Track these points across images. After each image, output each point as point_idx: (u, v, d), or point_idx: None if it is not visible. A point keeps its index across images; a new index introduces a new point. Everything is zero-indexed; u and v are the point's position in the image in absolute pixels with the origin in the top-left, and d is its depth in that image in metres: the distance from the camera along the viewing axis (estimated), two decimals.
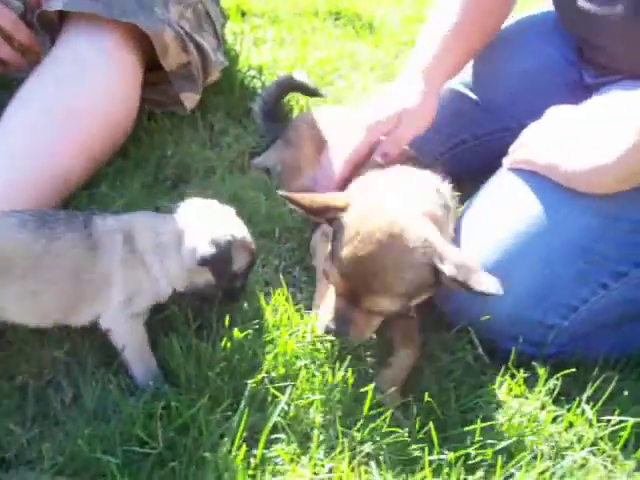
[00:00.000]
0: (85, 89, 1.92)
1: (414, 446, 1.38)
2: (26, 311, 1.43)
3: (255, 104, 2.29)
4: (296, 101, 2.43)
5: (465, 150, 2.13)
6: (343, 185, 1.75)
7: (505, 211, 1.66)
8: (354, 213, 1.50)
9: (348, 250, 1.45)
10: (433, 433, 1.37)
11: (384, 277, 1.43)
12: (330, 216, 1.53)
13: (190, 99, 2.19)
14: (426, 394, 1.46)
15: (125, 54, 2.00)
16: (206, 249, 1.46)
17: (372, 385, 1.42)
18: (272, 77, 2.56)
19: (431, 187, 1.63)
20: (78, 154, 1.86)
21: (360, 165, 1.78)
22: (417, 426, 1.40)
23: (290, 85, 2.31)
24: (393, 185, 1.60)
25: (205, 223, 1.52)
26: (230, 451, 1.33)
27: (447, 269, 1.41)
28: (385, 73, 2.74)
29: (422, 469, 1.34)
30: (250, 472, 1.33)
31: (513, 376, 1.56)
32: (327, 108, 2.21)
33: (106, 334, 1.47)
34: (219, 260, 1.47)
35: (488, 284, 1.42)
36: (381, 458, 1.36)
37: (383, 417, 1.40)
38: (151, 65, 2.11)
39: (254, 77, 2.55)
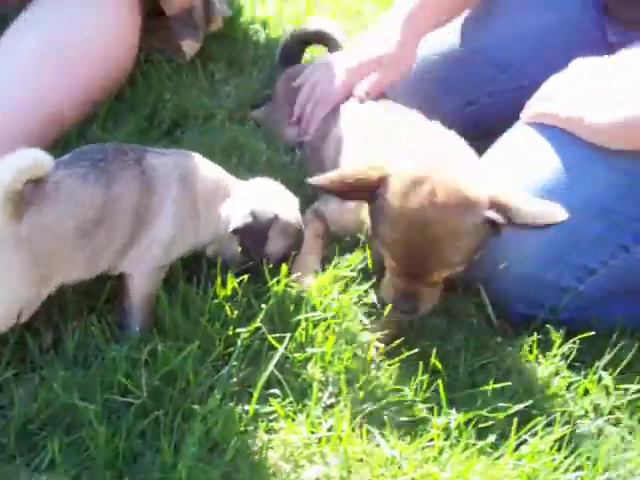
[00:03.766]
0: (80, 28, 1.86)
1: (420, 406, 1.28)
2: (87, 268, 1.32)
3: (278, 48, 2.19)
4: None
5: (478, 109, 2.03)
6: None
7: (523, 165, 1.56)
8: (393, 190, 1.35)
9: (398, 233, 1.34)
10: (442, 393, 1.26)
11: (441, 253, 1.34)
12: (365, 196, 1.40)
13: (190, 46, 2.11)
14: (433, 354, 1.35)
15: None
16: (243, 218, 1.39)
17: (375, 338, 1.32)
18: (277, 30, 2.45)
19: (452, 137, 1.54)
20: (71, 93, 1.78)
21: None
22: (424, 385, 1.30)
23: (313, 37, 2.16)
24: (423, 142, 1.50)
25: (257, 197, 1.45)
26: (220, 404, 1.22)
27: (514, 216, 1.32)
28: None
29: (429, 431, 1.24)
30: (241, 428, 1.22)
31: (524, 340, 1.46)
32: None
33: (122, 277, 1.37)
34: (252, 234, 1.40)
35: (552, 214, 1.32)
36: (385, 418, 1.26)
37: (387, 374, 1.30)
38: (152, 10, 2.02)
39: (257, 30, 2.44)
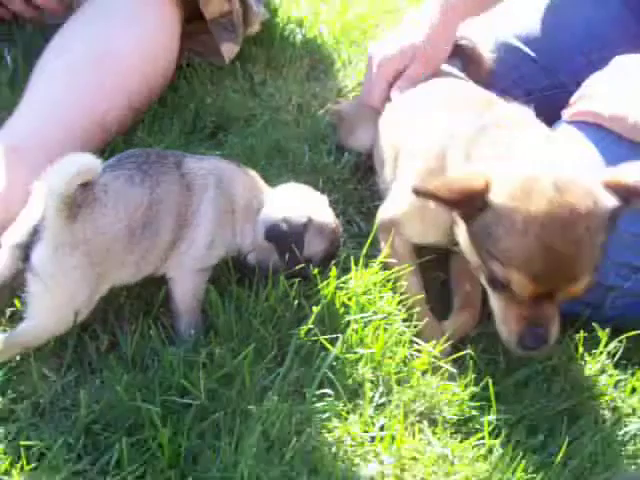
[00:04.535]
0: (123, 37, 1.88)
1: (470, 404, 1.30)
2: (135, 270, 1.35)
3: None
4: None
5: None
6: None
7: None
8: (507, 193, 1.21)
9: (531, 243, 1.18)
10: (491, 392, 1.28)
11: (586, 255, 1.20)
12: (471, 209, 1.24)
13: (229, 50, 2.13)
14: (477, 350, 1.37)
15: (166, 3, 1.94)
16: (277, 226, 1.41)
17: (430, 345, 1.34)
18: (312, 30, 2.46)
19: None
20: (117, 101, 1.81)
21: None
22: (471, 384, 1.32)
23: None
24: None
25: (288, 202, 1.46)
26: (276, 405, 1.25)
27: None
28: None
29: (479, 429, 1.26)
30: (297, 427, 1.25)
31: (570, 338, 1.47)
32: None
33: (168, 281, 1.40)
34: (287, 240, 1.41)
35: None
36: (436, 416, 1.28)
37: (437, 373, 1.32)
38: (192, 15, 2.04)
39: (294, 30, 2.45)
